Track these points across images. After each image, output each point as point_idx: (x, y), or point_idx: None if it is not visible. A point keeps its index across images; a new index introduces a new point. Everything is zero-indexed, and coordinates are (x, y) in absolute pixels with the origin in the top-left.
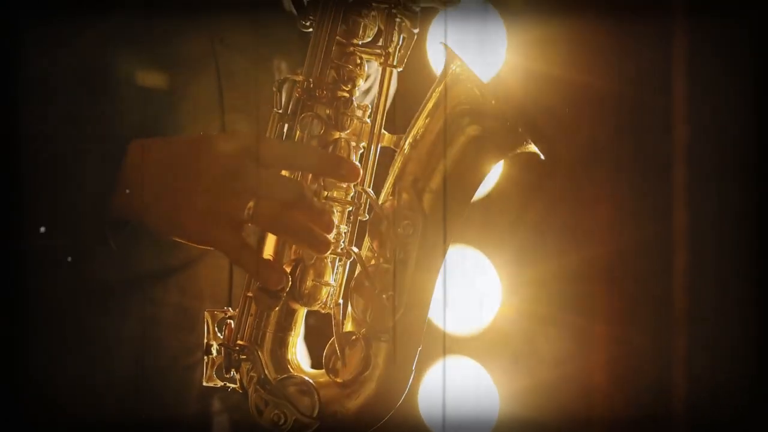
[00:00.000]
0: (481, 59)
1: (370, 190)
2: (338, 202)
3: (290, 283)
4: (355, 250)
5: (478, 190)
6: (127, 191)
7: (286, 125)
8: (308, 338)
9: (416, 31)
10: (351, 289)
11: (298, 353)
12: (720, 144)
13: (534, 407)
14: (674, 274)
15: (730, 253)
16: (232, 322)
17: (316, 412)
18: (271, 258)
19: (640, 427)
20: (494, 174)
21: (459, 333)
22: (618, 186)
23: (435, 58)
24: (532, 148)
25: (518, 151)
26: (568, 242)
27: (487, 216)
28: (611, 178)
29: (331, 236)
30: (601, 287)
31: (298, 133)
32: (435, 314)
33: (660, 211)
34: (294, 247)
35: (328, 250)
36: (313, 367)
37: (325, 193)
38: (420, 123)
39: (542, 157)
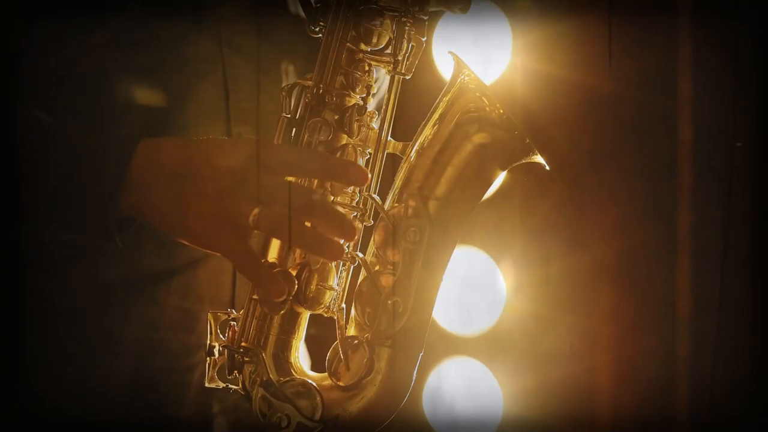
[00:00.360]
0: (485, 60)
1: (376, 195)
2: (344, 207)
3: (296, 287)
4: (360, 255)
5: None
6: (135, 190)
7: (294, 130)
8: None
9: (424, 39)
10: (355, 294)
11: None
12: (725, 145)
13: (538, 408)
14: (678, 275)
15: (734, 254)
16: (235, 324)
17: (318, 415)
18: (275, 261)
19: (644, 427)
20: (500, 175)
21: (463, 333)
22: (622, 187)
23: (441, 61)
24: (538, 158)
25: (524, 161)
26: (573, 243)
27: (492, 217)
28: (616, 180)
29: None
30: (605, 288)
31: (306, 137)
32: (441, 316)
33: (665, 213)
34: (299, 250)
35: (340, 257)
36: (314, 370)
37: (331, 198)
38: (427, 131)
39: (547, 167)
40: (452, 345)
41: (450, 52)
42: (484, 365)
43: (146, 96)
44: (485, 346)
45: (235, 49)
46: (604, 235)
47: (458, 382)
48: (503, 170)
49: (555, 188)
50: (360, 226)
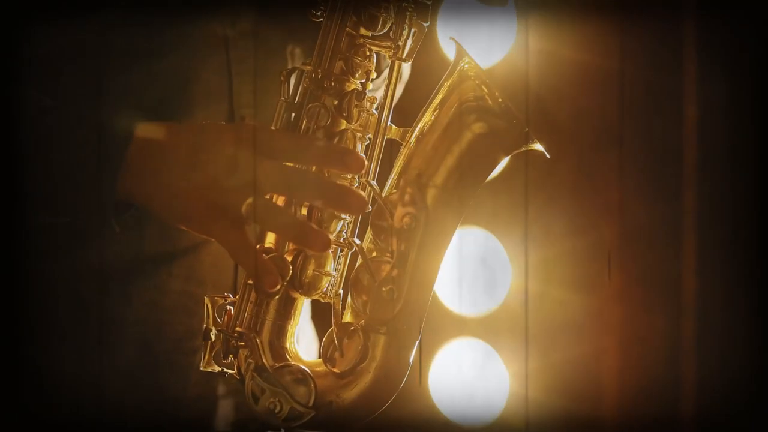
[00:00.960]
0: (490, 41)
1: (374, 182)
2: None
3: (291, 273)
4: (357, 241)
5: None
6: (131, 175)
7: (293, 115)
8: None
9: (426, 24)
10: (351, 281)
11: (308, 336)
12: (730, 126)
13: (544, 388)
14: (684, 255)
15: (739, 235)
16: (231, 308)
17: (312, 401)
18: (272, 246)
19: (650, 407)
20: (501, 162)
21: (469, 314)
22: (628, 167)
23: (446, 44)
24: (538, 146)
25: (524, 149)
26: (579, 224)
27: (497, 197)
28: (621, 160)
29: (334, 232)
30: (611, 269)
31: (304, 123)
32: (446, 296)
33: (670, 193)
34: None
35: (326, 249)
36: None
37: None
38: (426, 117)
39: (548, 155)
40: (458, 326)
41: (451, 38)
42: (490, 346)
43: (149, 76)
44: (491, 327)
45: (239, 31)
46: (609, 215)
47: (464, 363)
48: (503, 158)
49: (560, 168)
50: (365, 195)
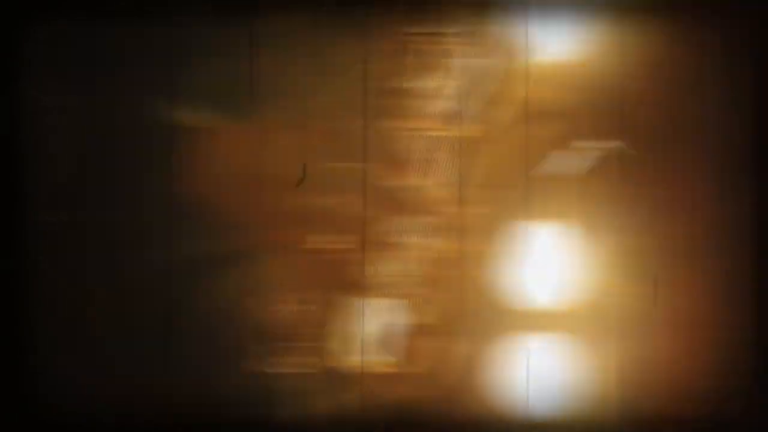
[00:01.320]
0: (573, 46)
1: (437, 182)
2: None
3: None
4: (419, 242)
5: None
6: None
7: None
8: None
9: (488, 23)
10: (414, 283)
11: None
12: None
13: (628, 382)
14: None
15: None
16: (284, 311)
17: (361, 399)
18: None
19: (727, 400)
20: (591, 154)
21: (552, 309)
22: (708, 164)
23: (527, 44)
24: (593, 145)
25: (590, 147)
26: (659, 218)
27: (583, 193)
28: (700, 157)
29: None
30: (688, 264)
31: (362, 123)
32: (528, 292)
33: (742, 190)
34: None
35: None
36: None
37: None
38: (489, 116)
39: (596, 150)
40: (540, 321)
41: (511, 37)
42: (572, 340)
43: (213, 78)
44: (573, 322)
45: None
46: (692, 210)
47: (548, 358)
48: (565, 156)
49: (643, 167)
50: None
